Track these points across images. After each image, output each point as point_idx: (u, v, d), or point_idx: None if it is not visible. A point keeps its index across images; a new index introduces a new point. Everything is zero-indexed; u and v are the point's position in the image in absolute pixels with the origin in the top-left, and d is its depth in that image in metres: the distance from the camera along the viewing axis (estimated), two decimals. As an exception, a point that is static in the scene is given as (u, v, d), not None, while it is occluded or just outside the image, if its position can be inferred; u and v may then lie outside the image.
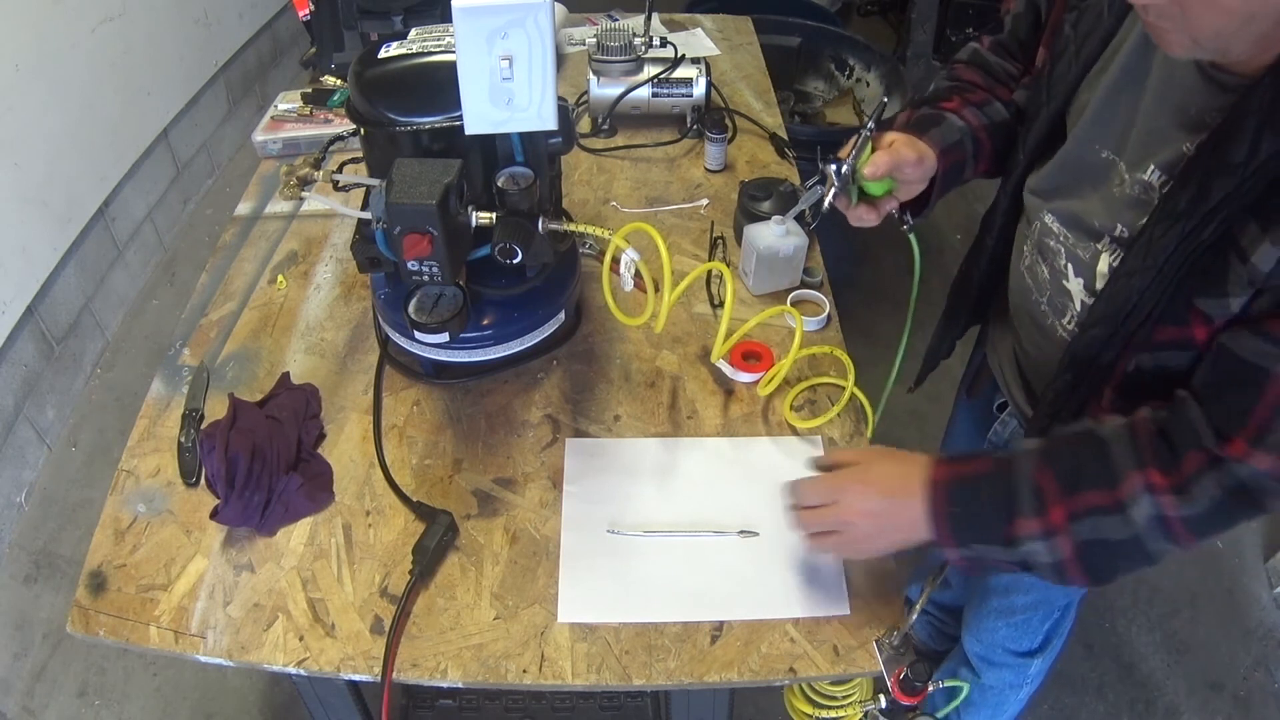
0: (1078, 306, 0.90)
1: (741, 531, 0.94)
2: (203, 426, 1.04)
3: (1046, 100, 0.93)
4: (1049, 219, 0.93)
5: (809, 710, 1.01)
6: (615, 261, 0.98)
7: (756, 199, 1.27)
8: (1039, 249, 0.95)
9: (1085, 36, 0.88)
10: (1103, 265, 0.86)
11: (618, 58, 1.53)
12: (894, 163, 0.94)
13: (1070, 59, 0.90)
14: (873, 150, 0.95)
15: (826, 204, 0.97)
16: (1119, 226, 0.84)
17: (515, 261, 0.91)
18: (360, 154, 1.04)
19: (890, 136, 0.98)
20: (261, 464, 0.94)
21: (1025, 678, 1.37)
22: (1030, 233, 0.97)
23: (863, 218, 1.01)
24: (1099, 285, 0.86)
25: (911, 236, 1.05)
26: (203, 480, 0.98)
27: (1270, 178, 0.67)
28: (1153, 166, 0.80)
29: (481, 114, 0.86)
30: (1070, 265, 0.91)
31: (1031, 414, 1.02)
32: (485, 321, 1.03)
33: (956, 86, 1.08)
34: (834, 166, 0.95)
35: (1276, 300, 0.70)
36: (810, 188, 1.26)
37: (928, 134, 1.00)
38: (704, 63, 1.56)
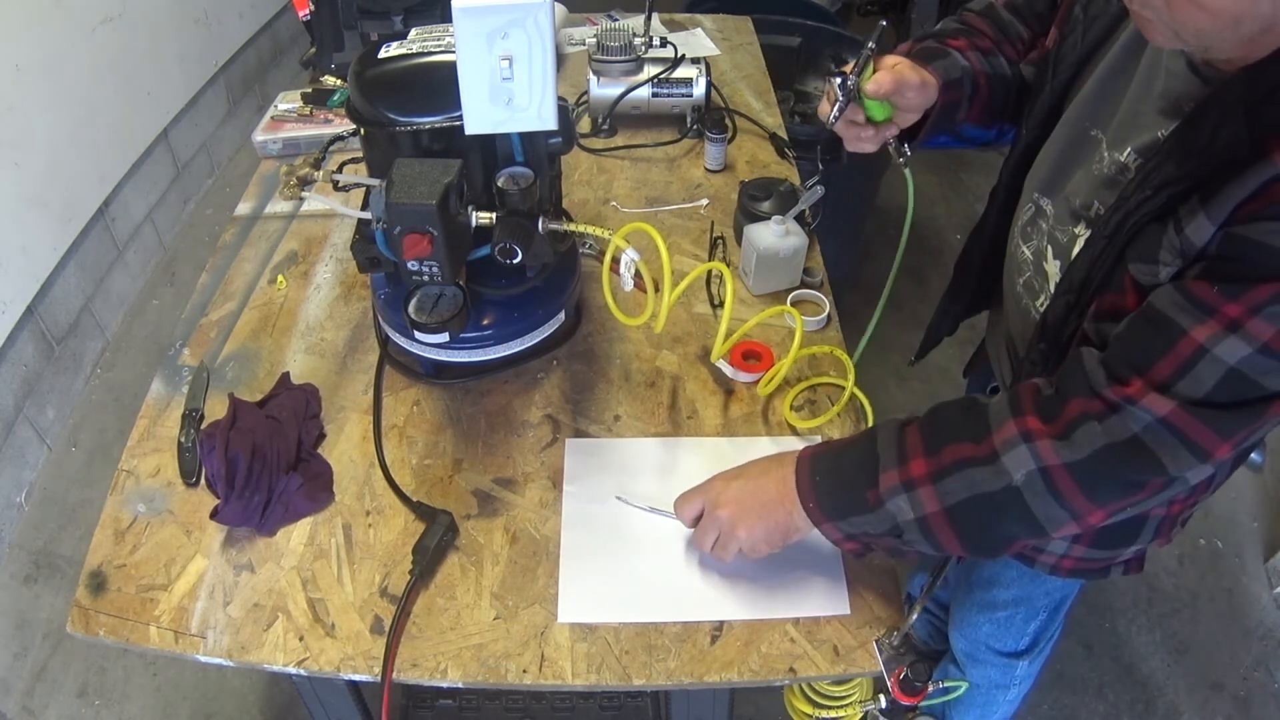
0: (1051, 289, 0.90)
1: None
2: (203, 426, 1.04)
3: (1051, 77, 0.93)
4: (1041, 201, 0.94)
5: (809, 710, 1.01)
6: (615, 261, 0.98)
7: (756, 199, 1.27)
8: (1025, 229, 0.97)
9: (1093, 19, 0.89)
10: (1078, 248, 0.86)
11: (618, 58, 1.53)
12: (897, 82, 0.92)
13: (1076, 40, 0.91)
14: (874, 71, 0.93)
15: (833, 117, 0.95)
16: (1095, 204, 0.85)
17: (515, 261, 0.91)
18: (360, 154, 1.04)
19: (893, 59, 0.96)
20: (261, 464, 0.94)
21: (1012, 679, 1.36)
22: (1022, 213, 0.98)
23: (860, 139, 0.99)
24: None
25: (907, 171, 1.04)
26: (203, 480, 0.98)
27: (1220, 159, 0.68)
28: (1130, 149, 0.81)
29: (481, 114, 0.86)
30: (1050, 247, 0.91)
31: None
32: (485, 321, 1.03)
33: (965, 29, 1.06)
34: (838, 80, 0.93)
35: (1204, 271, 0.70)
36: (810, 188, 1.27)
37: (931, 64, 0.98)
38: (704, 63, 1.56)
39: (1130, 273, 0.75)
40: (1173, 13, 0.67)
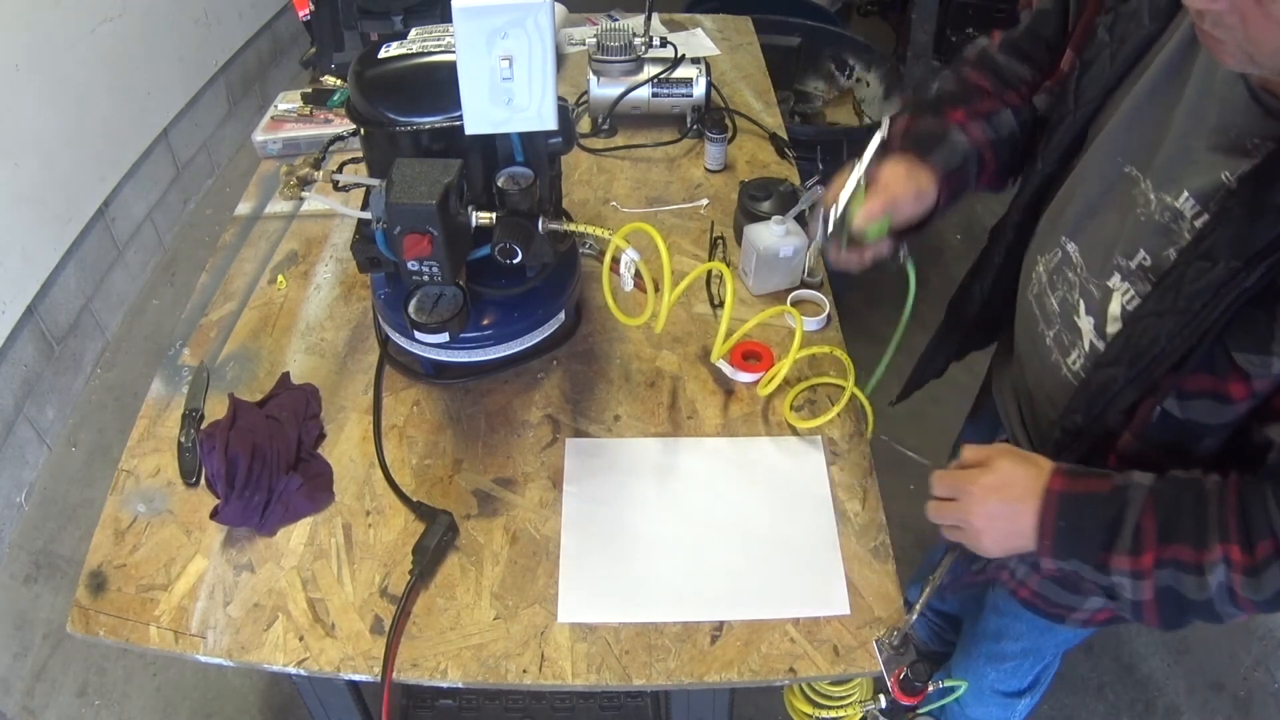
0: (1086, 346, 0.84)
1: None
2: (203, 426, 1.04)
3: (1074, 107, 0.85)
4: (1068, 246, 0.86)
5: (809, 710, 1.01)
6: (615, 261, 0.98)
7: (756, 199, 1.27)
8: (1051, 278, 0.88)
9: (1121, 41, 0.81)
10: (1114, 306, 0.79)
11: (618, 58, 1.53)
12: (889, 206, 0.89)
13: (1104, 65, 0.82)
14: (865, 187, 0.89)
15: (809, 260, 0.93)
16: (1140, 254, 0.76)
17: (515, 261, 0.91)
18: (360, 154, 1.04)
19: (886, 175, 0.91)
20: (261, 464, 0.94)
21: (1013, 713, 1.36)
22: (1043, 258, 0.90)
23: (847, 263, 0.94)
24: (1110, 328, 0.80)
25: (909, 267, 0.98)
26: (203, 480, 0.98)
27: None
28: (1186, 193, 0.72)
29: (481, 114, 0.86)
30: (1082, 301, 0.84)
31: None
32: (485, 321, 1.03)
33: (963, 93, 1.01)
34: (820, 217, 0.90)
35: None
36: (810, 188, 1.27)
37: (929, 157, 0.93)
38: (704, 63, 1.55)
39: (1235, 360, 0.68)
40: (1248, 30, 0.59)
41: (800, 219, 1.23)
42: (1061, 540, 0.77)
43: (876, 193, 0.89)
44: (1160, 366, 0.73)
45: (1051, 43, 0.95)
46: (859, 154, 0.92)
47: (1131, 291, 0.78)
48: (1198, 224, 0.71)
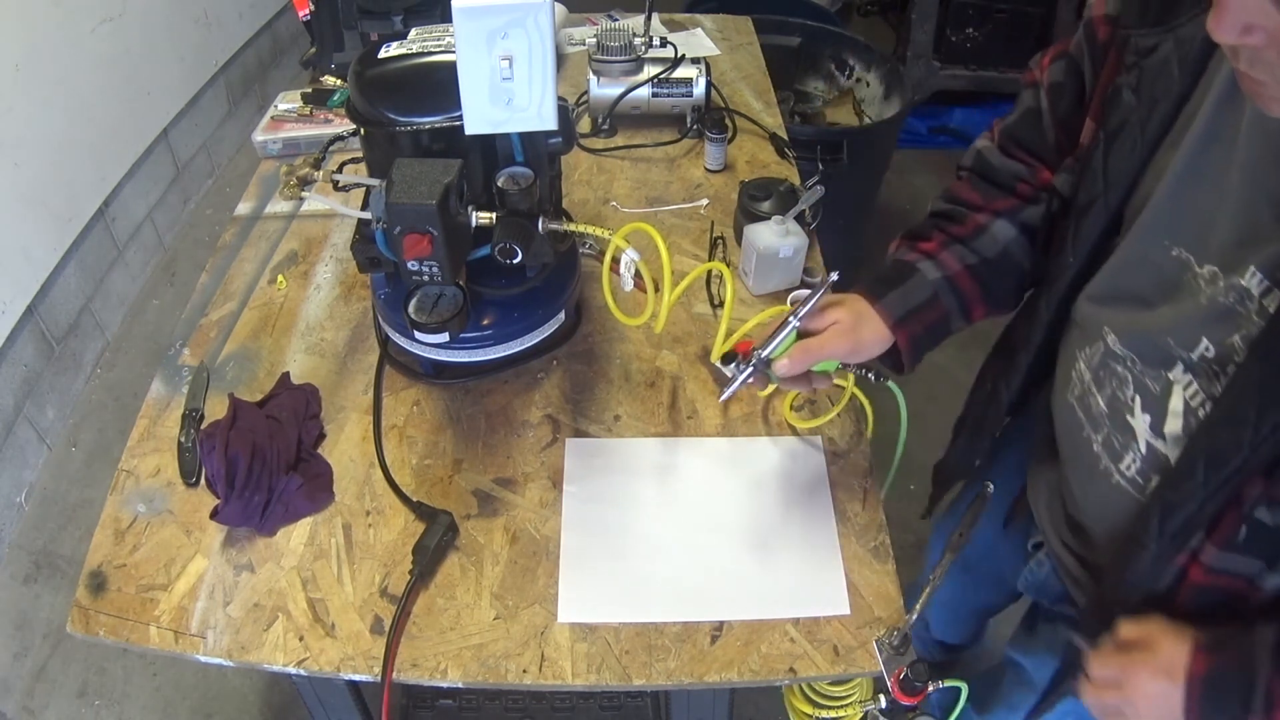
0: (1142, 448, 0.74)
1: None
2: (203, 426, 1.04)
3: (1104, 188, 0.75)
4: (1111, 339, 0.76)
5: (809, 710, 1.01)
6: (615, 261, 0.98)
7: (756, 199, 1.27)
8: (1096, 375, 0.79)
9: (1152, 103, 0.70)
10: (1176, 400, 0.70)
11: (618, 58, 1.53)
12: (810, 362, 0.84)
13: (1134, 133, 0.71)
14: (798, 337, 0.86)
15: (726, 394, 0.87)
16: (1203, 344, 0.67)
17: (515, 261, 0.91)
18: (360, 154, 1.04)
19: (829, 318, 0.86)
20: (261, 464, 0.94)
21: None
22: (1085, 355, 0.80)
23: (790, 387, 0.89)
24: (1170, 425, 0.71)
25: (892, 386, 0.93)
26: (203, 480, 0.98)
27: None
28: (1252, 269, 0.63)
29: (481, 114, 0.86)
30: (1138, 397, 0.74)
31: (1082, 569, 0.86)
32: (485, 321, 1.03)
33: (942, 219, 0.93)
34: (733, 364, 0.87)
35: None
36: (810, 188, 1.27)
37: (883, 300, 0.87)
38: (704, 63, 1.55)
39: None
40: None
41: (800, 218, 1.23)
42: (1204, 715, 0.71)
43: (804, 349, 0.85)
44: (1245, 476, 0.64)
45: (1069, 120, 0.84)
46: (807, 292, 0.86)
47: (1195, 386, 0.69)
48: (1268, 303, 0.62)
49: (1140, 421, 0.74)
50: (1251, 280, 0.63)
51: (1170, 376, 0.71)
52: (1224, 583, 0.71)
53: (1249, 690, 0.69)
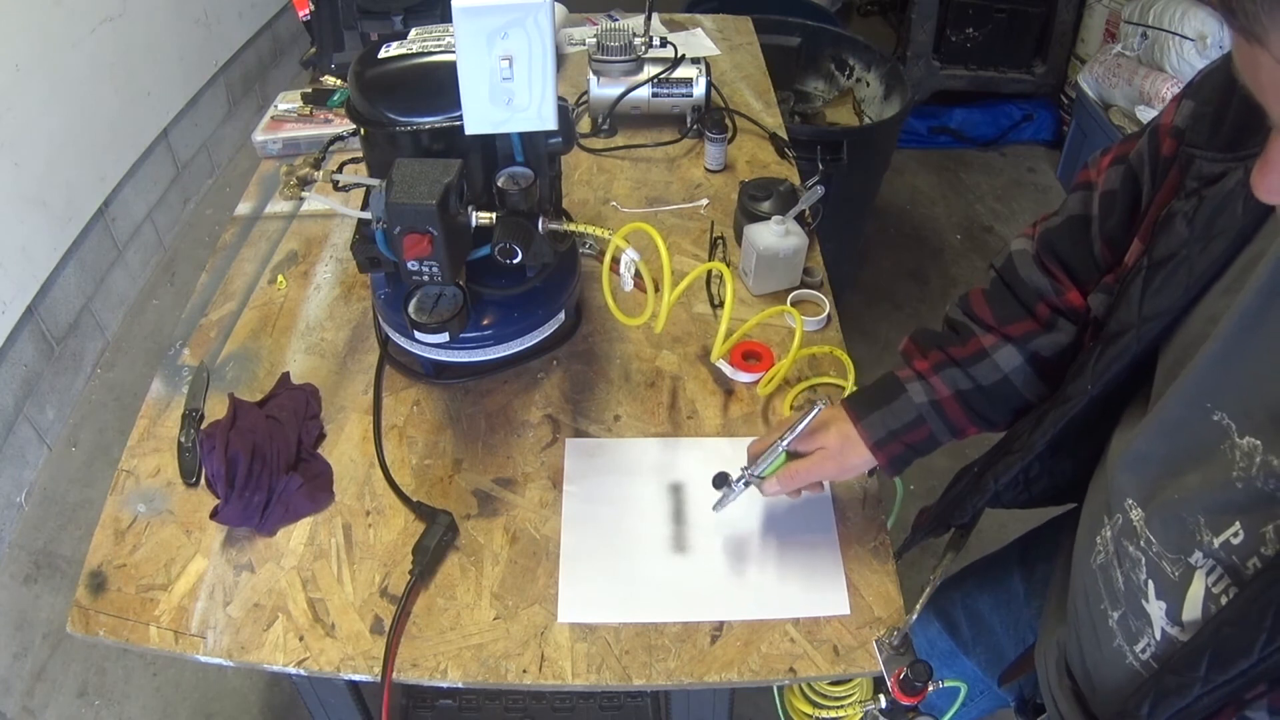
0: (1158, 634, 0.67)
1: None
2: (203, 426, 1.04)
3: (1138, 322, 0.66)
4: (1133, 512, 0.68)
5: (809, 710, 1.01)
6: (615, 261, 0.98)
7: (756, 199, 1.27)
8: (1119, 549, 0.70)
9: (1208, 239, 0.61)
10: (1197, 587, 0.62)
11: (618, 58, 1.53)
12: (797, 484, 0.87)
13: (1182, 269, 0.62)
14: (788, 457, 0.88)
15: (721, 508, 0.92)
16: (1234, 527, 0.59)
17: (515, 261, 0.91)
18: (360, 154, 1.04)
19: (817, 441, 0.87)
20: (261, 464, 0.94)
21: None
22: (1109, 523, 0.72)
23: (786, 494, 0.91)
24: (1188, 614, 0.63)
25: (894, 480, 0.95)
26: (203, 480, 0.98)
27: None
28: None
29: (481, 114, 0.86)
30: (1152, 583, 0.66)
31: None
32: (485, 321, 1.03)
33: (948, 332, 0.89)
34: (724, 486, 0.91)
35: None
36: (810, 188, 1.27)
37: (865, 420, 0.86)
38: (704, 63, 1.56)
39: None
40: None
41: (800, 218, 1.23)
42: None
43: (791, 473, 0.87)
44: (1248, 679, 0.57)
45: (1114, 234, 0.75)
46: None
47: (1220, 572, 0.61)
48: None
49: (1156, 608, 0.66)
50: None
51: (1191, 561, 0.63)
52: None
53: None
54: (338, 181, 1.00)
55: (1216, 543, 0.60)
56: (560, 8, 1.85)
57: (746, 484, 0.90)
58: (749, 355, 1.12)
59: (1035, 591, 0.99)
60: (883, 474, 0.91)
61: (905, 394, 0.86)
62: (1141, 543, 0.67)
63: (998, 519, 1.04)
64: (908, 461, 0.88)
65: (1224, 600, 0.61)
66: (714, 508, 0.92)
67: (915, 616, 0.86)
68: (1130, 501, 0.68)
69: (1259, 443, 0.57)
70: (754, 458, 0.90)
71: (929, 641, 1.13)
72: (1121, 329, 0.68)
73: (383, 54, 0.96)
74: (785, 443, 0.87)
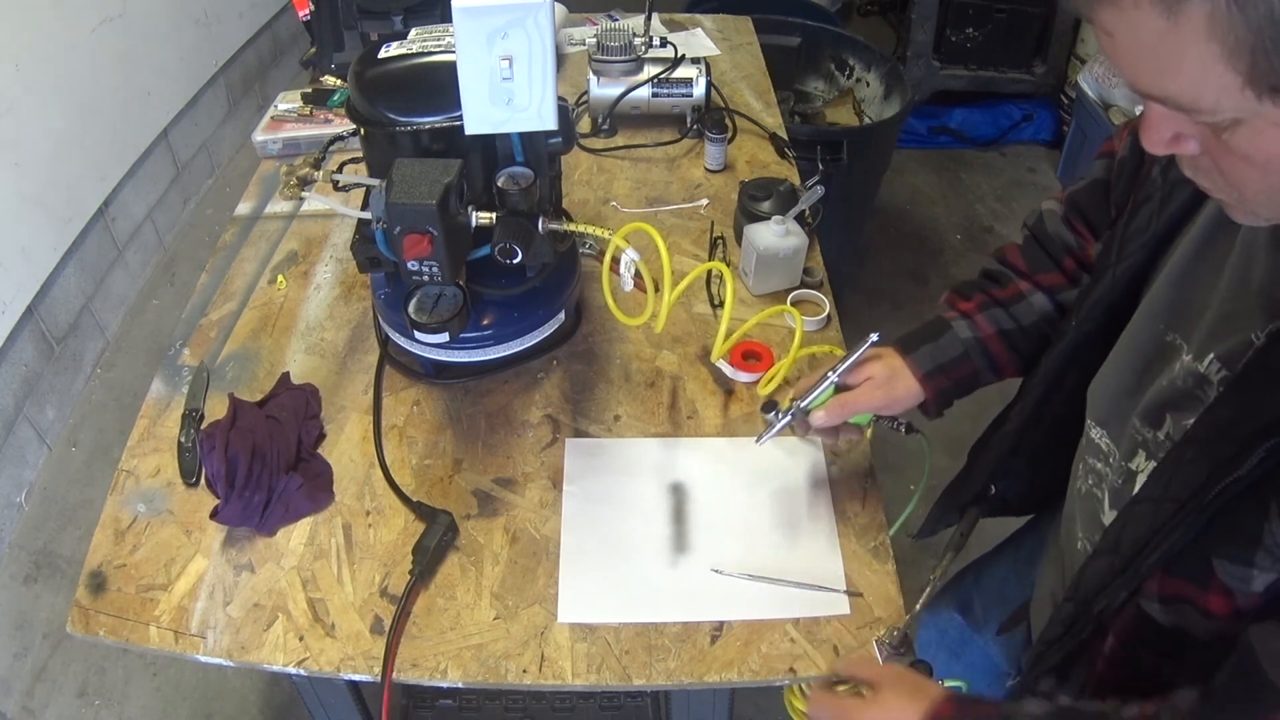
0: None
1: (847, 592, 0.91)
2: (203, 426, 1.04)
3: (1115, 260, 0.73)
4: (1095, 432, 0.75)
5: (809, 710, 1.01)
6: (615, 261, 0.98)
7: (756, 199, 1.27)
8: (1087, 470, 0.77)
9: (1173, 185, 0.68)
10: (1138, 488, 0.68)
11: (618, 58, 1.53)
12: (846, 415, 0.87)
13: (1153, 212, 0.70)
14: (835, 391, 0.88)
15: (766, 438, 0.91)
16: (1166, 424, 0.66)
17: (515, 261, 0.91)
18: (360, 154, 1.04)
19: (865, 373, 0.89)
20: (261, 464, 0.94)
21: None
22: (1085, 447, 0.78)
23: (825, 437, 0.92)
24: None
25: (922, 440, 0.96)
26: (203, 480, 0.98)
27: None
28: (1212, 355, 0.62)
29: (481, 114, 0.86)
30: (1108, 496, 0.73)
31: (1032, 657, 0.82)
32: (485, 321, 1.03)
33: (987, 280, 0.94)
34: (773, 413, 0.90)
35: None
36: (810, 188, 1.27)
37: (914, 354, 0.89)
38: (704, 63, 1.55)
39: (1215, 569, 0.58)
40: (1226, 176, 0.52)
41: (800, 218, 1.23)
42: None
43: (840, 403, 0.88)
44: (1146, 561, 0.62)
45: (1122, 197, 0.81)
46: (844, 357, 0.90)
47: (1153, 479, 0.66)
48: (1217, 393, 0.61)
49: (1109, 519, 0.72)
50: (1210, 367, 0.62)
51: (1133, 466, 0.70)
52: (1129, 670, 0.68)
53: None
54: (338, 181, 1.00)
55: (1159, 437, 0.66)
56: (560, 8, 1.85)
57: (794, 415, 0.89)
58: (749, 355, 1.12)
59: (1045, 551, 1.01)
60: (925, 413, 0.92)
61: (951, 330, 0.90)
62: (1104, 455, 0.74)
63: (1003, 521, 1.05)
64: (949, 400, 0.91)
65: None
66: (757, 441, 0.92)
67: (915, 616, 0.86)
68: (1091, 422, 0.76)
69: (1192, 352, 0.64)
70: (801, 394, 0.90)
71: (940, 631, 1.14)
72: (1104, 268, 0.75)
73: (383, 54, 0.96)
74: (836, 374, 0.88)
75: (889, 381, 0.89)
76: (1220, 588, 0.58)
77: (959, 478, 1.02)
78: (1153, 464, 0.67)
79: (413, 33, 0.99)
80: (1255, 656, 0.55)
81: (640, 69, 1.54)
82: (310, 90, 1.56)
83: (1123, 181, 0.81)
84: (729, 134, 1.50)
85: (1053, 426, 0.87)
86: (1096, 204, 0.87)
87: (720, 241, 1.32)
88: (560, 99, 0.88)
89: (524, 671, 0.84)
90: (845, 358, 0.89)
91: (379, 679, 0.83)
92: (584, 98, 1.58)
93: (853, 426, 0.91)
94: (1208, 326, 0.63)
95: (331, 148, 1.14)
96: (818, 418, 0.88)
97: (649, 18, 1.67)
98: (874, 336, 0.89)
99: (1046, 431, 0.89)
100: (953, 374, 0.89)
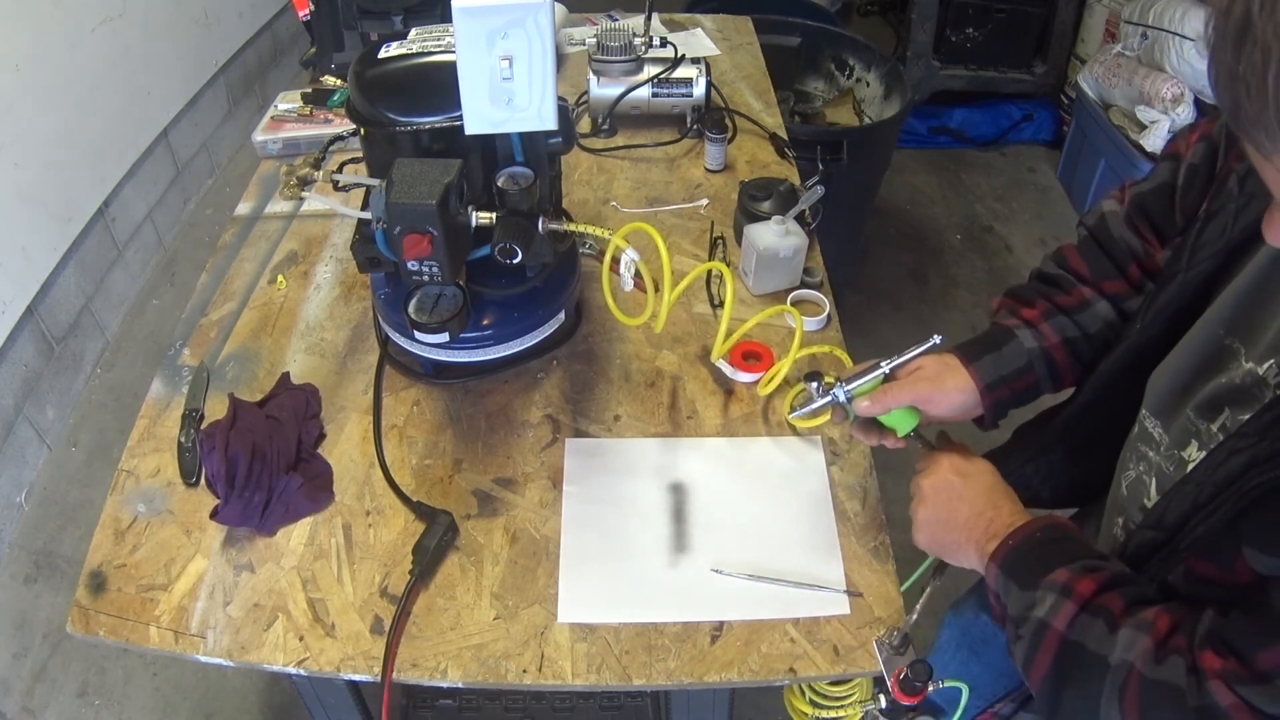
0: None
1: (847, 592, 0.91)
2: (203, 426, 1.04)
3: (1185, 267, 0.74)
4: (1149, 423, 0.78)
5: (809, 710, 1.01)
6: (615, 261, 0.98)
7: (756, 199, 1.27)
8: (1136, 457, 0.80)
9: (1250, 197, 0.69)
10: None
11: (618, 58, 1.53)
12: (891, 404, 0.84)
13: (1227, 220, 0.71)
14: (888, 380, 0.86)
15: (803, 412, 0.90)
16: (1220, 423, 0.69)
17: (515, 261, 0.91)
18: (360, 154, 1.04)
19: (915, 365, 0.86)
20: (261, 464, 0.94)
21: None
22: (1136, 435, 0.80)
23: (859, 439, 0.91)
24: None
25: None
26: (203, 480, 0.98)
27: None
28: (1272, 362, 0.65)
29: (481, 114, 0.86)
30: (1154, 481, 0.75)
31: None
32: (485, 321, 1.03)
33: (1048, 285, 0.91)
34: (814, 384, 0.88)
35: None
36: (810, 188, 1.27)
37: (977, 363, 0.87)
38: (704, 63, 1.55)
39: (1244, 556, 0.61)
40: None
41: (800, 218, 1.23)
42: (1013, 553, 0.73)
43: (886, 391, 0.85)
44: (1187, 539, 0.66)
45: (1193, 205, 0.81)
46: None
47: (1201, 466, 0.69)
48: (1274, 395, 0.64)
49: (1154, 502, 0.74)
50: (1269, 370, 0.64)
51: (1184, 455, 0.72)
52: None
53: (1077, 555, 0.71)
54: (338, 181, 1.00)
55: (1203, 429, 0.69)
56: (560, 8, 1.85)
57: (835, 398, 0.87)
58: (749, 355, 1.12)
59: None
60: (980, 426, 0.90)
61: (1015, 339, 0.87)
62: (1158, 447, 0.75)
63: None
64: (1004, 412, 0.89)
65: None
66: (789, 416, 0.90)
67: (915, 616, 0.86)
68: (1146, 412, 0.77)
69: (1253, 355, 0.66)
70: (848, 379, 0.88)
71: (962, 630, 1.13)
72: (1173, 273, 0.75)
73: (383, 54, 0.96)
74: (888, 365, 0.86)
75: (938, 374, 0.87)
76: (1246, 571, 0.61)
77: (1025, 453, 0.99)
78: (1203, 454, 0.68)
79: (413, 33, 0.99)
80: (1272, 598, 0.59)
81: (640, 69, 1.54)
82: (310, 90, 1.56)
83: (1194, 190, 0.80)
84: (729, 134, 1.50)
85: (1101, 421, 0.86)
86: (1163, 208, 0.85)
87: (720, 241, 1.32)
88: (560, 99, 0.88)
89: (524, 671, 0.84)
90: (903, 351, 0.87)
91: (379, 679, 0.83)
92: (584, 98, 1.58)
93: (890, 432, 0.88)
94: (1272, 338, 0.65)
95: (331, 148, 1.14)
96: (860, 404, 0.85)
97: (649, 18, 1.67)
98: (937, 338, 0.86)
99: (1092, 427, 0.88)
100: (1015, 385, 0.87)
